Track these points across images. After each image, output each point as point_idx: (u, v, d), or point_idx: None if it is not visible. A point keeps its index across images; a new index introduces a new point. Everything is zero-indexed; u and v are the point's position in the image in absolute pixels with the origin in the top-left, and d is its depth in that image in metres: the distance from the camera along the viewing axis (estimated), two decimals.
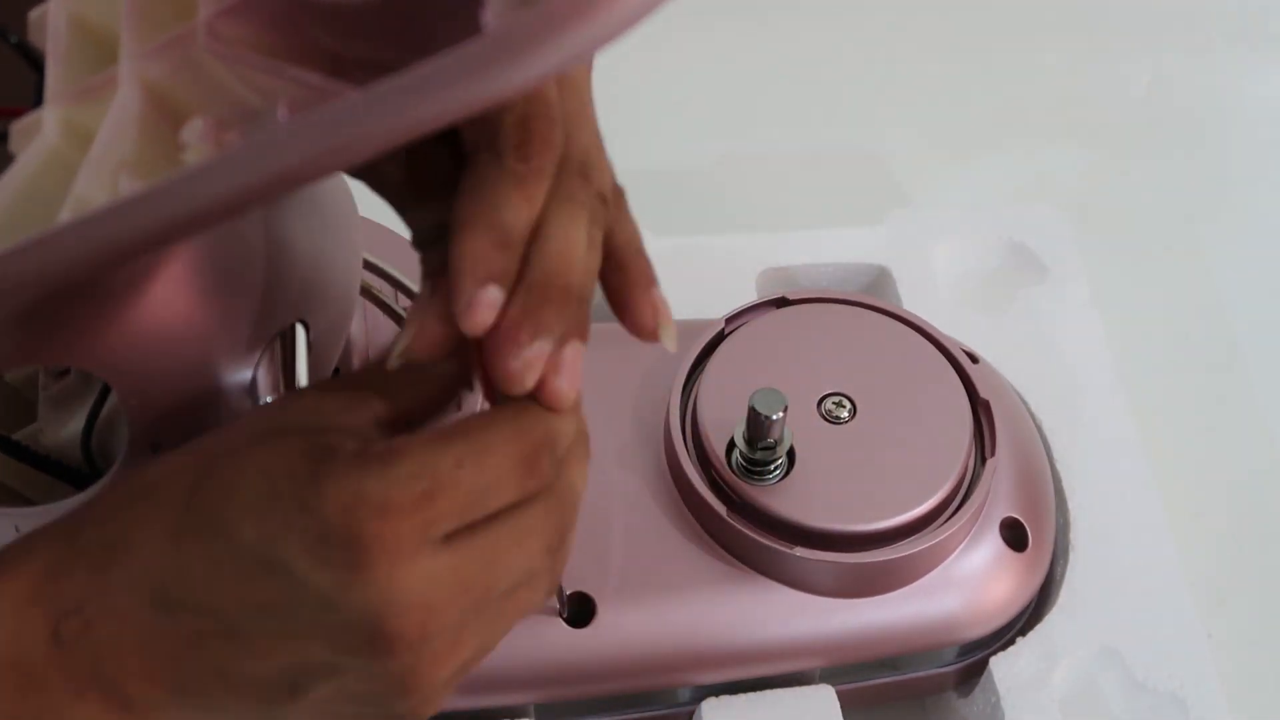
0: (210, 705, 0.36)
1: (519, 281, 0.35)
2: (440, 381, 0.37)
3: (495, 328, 0.35)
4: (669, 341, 0.39)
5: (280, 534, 0.34)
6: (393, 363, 0.36)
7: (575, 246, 0.36)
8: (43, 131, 0.35)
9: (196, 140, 0.32)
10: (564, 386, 0.36)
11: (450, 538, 0.34)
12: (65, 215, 0.34)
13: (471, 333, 0.35)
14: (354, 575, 0.33)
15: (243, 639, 0.35)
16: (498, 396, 0.36)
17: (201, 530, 0.34)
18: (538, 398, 0.36)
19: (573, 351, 0.36)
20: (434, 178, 0.37)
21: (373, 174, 0.38)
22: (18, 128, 0.37)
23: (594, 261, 0.37)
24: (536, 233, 0.36)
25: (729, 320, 0.63)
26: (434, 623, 0.34)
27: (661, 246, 0.71)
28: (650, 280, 0.39)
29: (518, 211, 0.35)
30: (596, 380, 0.62)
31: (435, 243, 0.37)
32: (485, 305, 0.35)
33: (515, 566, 0.36)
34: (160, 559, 0.35)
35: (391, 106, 0.28)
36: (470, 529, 0.35)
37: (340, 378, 0.38)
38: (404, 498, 0.33)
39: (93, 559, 0.35)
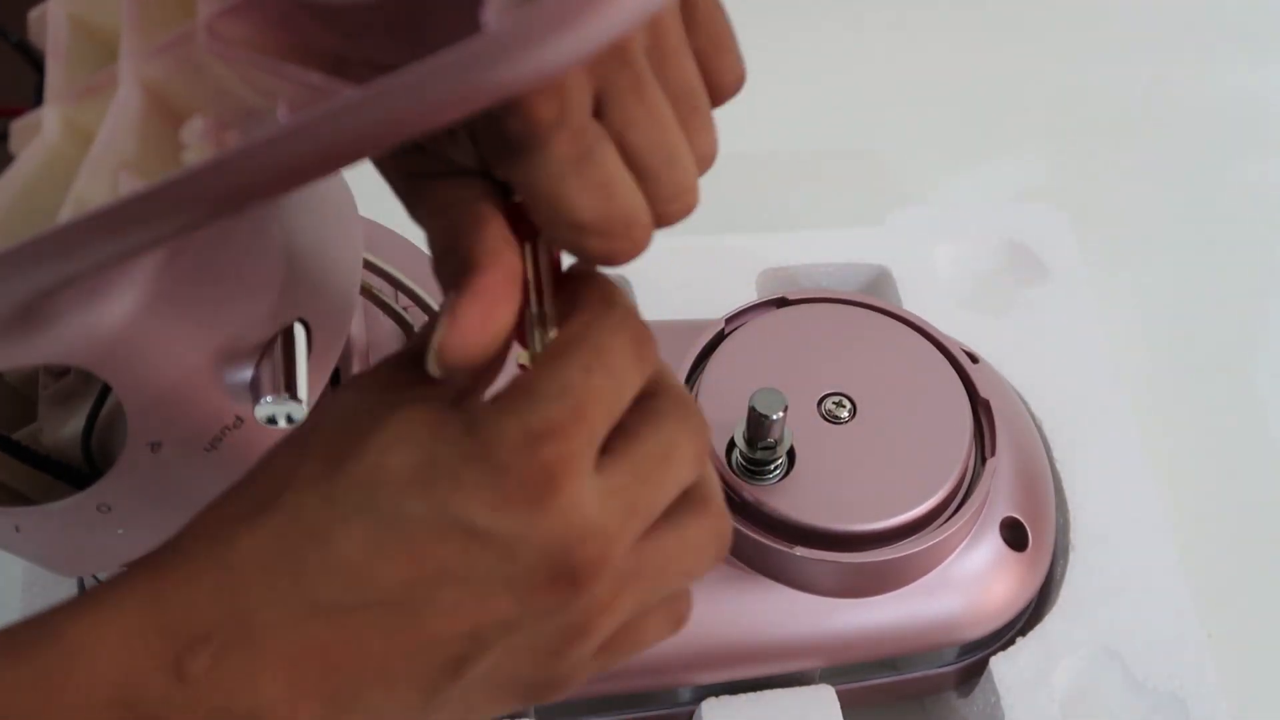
0: (363, 711, 0.34)
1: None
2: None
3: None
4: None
5: (451, 494, 0.33)
6: (432, 368, 0.35)
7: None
8: (43, 131, 0.36)
9: (197, 140, 0.32)
10: None
11: (601, 464, 0.34)
12: (65, 215, 0.34)
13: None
14: (537, 510, 0.33)
15: (416, 619, 0.34)
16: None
17: (353, 522, 0.33)
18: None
19: None
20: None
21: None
22: (18, 127, 0.37)
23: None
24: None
25: (729, 320, 0.63)
26: (613, 550, 0.34)
27: (662, 246, 0.71)
28: None
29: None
30: None
31: (448, 256, 0.36)
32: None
33: (670, 478, 0.36)
34: (310, 566, 0.33)
35: (391, 105, 0.28)
36: (614, 452, 0.35)
37: (387, 359, 0.37)
38: (564, 418, 0.33)
39: (214, 585, 0.33)
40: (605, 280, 0.37)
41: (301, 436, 0.36)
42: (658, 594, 0.37)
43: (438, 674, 0.35)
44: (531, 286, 0.36)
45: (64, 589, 0.59)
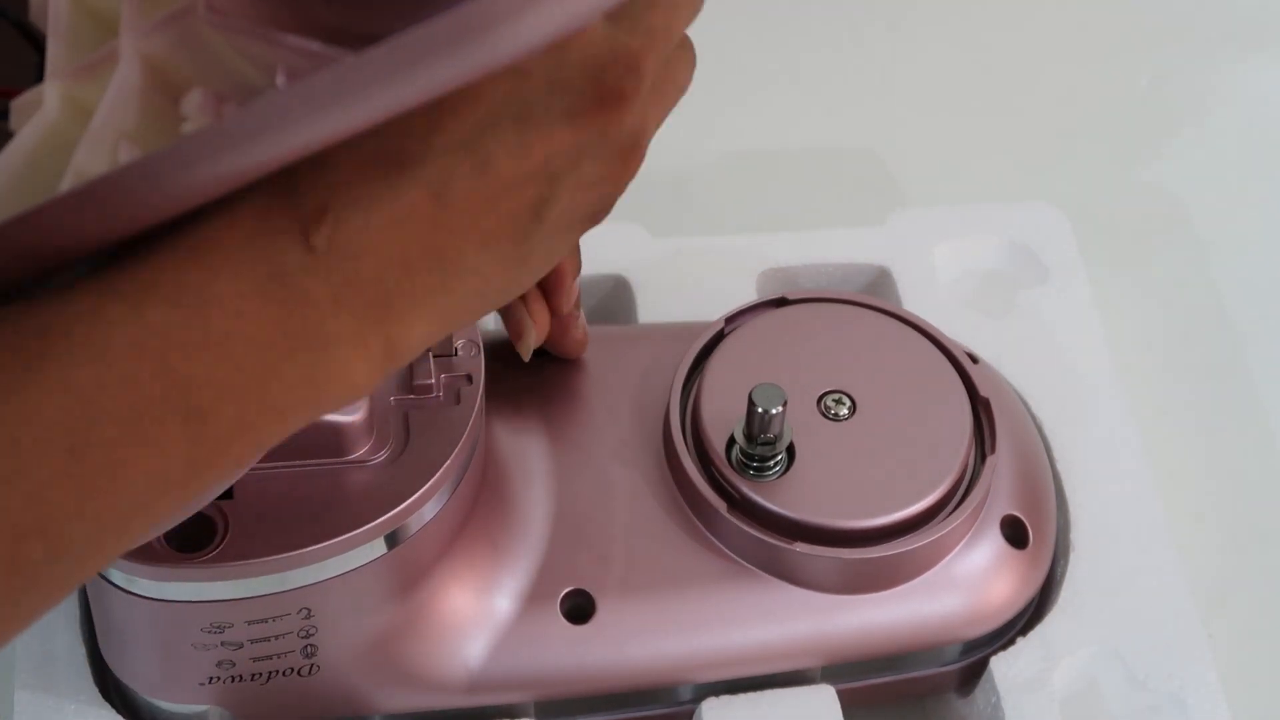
0: (471, 271, 0.38)
1: None
2: None
3: None
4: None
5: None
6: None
7: None
8: (43, 107, 0.36)
9: (195, 112, 0.32)
10: None
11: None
12: (65, 187, 0.34)
13: None
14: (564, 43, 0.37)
15: (488, 163, 0.36)
16: None
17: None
18: None
19: None
20: None
21: None
22: (18, 104, 0.37)
23: None
24: None
25: (729, 320, 0.63)
26: (644, 65, 0.38)
27: (661, 246, 0.71)
28: None
29: None
30: (596, 380, 0.62)
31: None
32: None
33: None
34: (390, 128, 0.35)
35: (390, 72, 0.28)
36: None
37: None
38: None
39: (321, 168, 0.35)
40: None
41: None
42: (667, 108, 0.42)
43: (525, 219, 0.38)
44: None
45: None
